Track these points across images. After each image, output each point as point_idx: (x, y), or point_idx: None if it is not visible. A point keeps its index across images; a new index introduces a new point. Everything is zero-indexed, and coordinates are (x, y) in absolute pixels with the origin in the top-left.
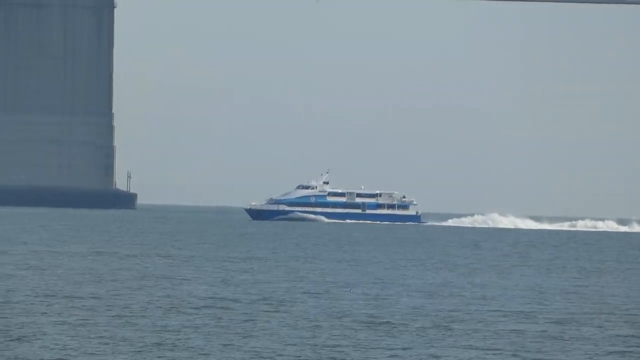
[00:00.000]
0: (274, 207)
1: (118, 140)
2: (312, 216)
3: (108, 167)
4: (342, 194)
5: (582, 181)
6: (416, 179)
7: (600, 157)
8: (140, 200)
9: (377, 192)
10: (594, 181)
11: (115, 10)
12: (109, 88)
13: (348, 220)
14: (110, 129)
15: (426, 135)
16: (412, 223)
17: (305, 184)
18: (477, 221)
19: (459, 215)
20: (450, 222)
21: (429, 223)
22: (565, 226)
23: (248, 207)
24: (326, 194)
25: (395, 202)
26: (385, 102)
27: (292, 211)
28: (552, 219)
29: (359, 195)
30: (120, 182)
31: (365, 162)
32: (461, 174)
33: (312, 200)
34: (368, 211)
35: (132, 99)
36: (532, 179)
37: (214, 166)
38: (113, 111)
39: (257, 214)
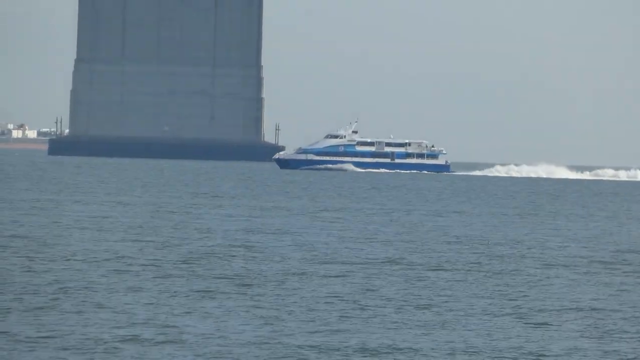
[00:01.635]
0: (302, 157)
1: (267, 93)
2: (340, 165)
3: (256, 120)
4: (371, 143)
5: (600, 130)
6: (444, 129)
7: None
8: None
9: (406, 141)
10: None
11: None
12: (258, 40)
13: (376, 170)
14: (259, 81)
15: (456, 86)
16: (441, 173)
17: (334, 133)
18: (499, 171)
19: (485, 166)
20: (480, 172)
21: (458, 173)
22: (589, 175)
23: (276, 157)
24: (355, 143)
25: (424, 152)
26: (415, 53)
27: (321, 160)
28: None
29: (388, 144)
30: (268, 135)
31: (394, 111)
32: (488, 125)
33: (341, 149)
34: (397, 160)
35: (281, 51)
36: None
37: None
38: (262, 63)
39: (285, 164)
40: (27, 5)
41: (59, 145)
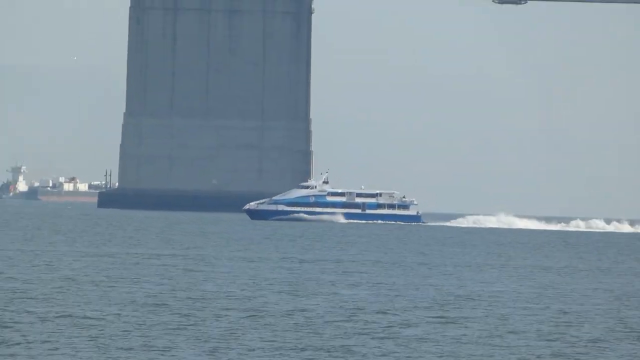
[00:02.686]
0: (273, 207)
1: (315, 146)
2: (311, 216)
3: (305, 173)
4: (341, 194)
5: (572, 181)
6: (414, 180)
7: (592, 158)
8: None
9: (377, 192)
10: (582, 181)
11: (313, 15)
12: (306, 93)
13: (348, 220)
14: (307, 133)
15: (426, 136)
16: (412, 223)
17: (305, 183)
18: (479, 221)
19: (456, 216)
20: (451, 223)
21: (429, 223)
22: (559, 226)
23: (246, 207)
24: (326, 193)
25: (395, 202)
26: (386, 103)
27: (291, 211)
28: (544, 219)
29: (358, 195)
30: None
31: (365, 162)
32: (459, 176)
33: (312, 200)
34: (368, 211)
35: (328, 103)
36: (521, 180)
37: (411, 170)
38: (310, 116)
39: (255, 214)
40: (76, 60)
41: (108, 198)
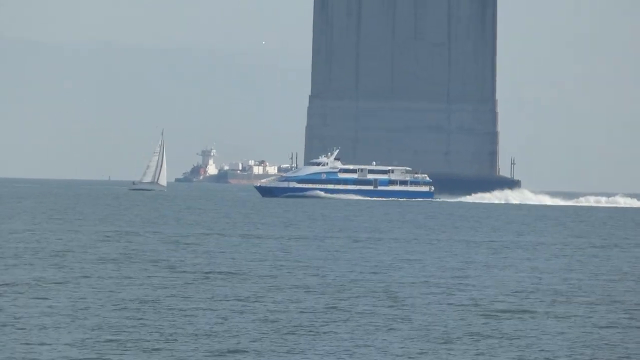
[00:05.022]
0: (284, 184)
1: (501, 127)
2: (323, 193)
3: (491, 154)
4: (353, 171)
5: (580, 157)
6: (595, 158)
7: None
8: (524, 187)
9: (390, 168)
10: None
11: None
12: (492, 74)
13: (360, 197)
14: (494, 115)
15: (612, 115)
16: (424, 199)
17: (316, 160)
18: (497, 197)
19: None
20: (465, 199)
21: (441, 200)
22: (573, 202)
23: (257, 185)
24: (337, 170)
25: (407, 178)
26: (572, 84)
27: (303, 188)
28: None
29: (370, 171)
30: (503, 169)
31: (551, 143)
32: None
33: (323, 177)
34: (380, 188)
35: (515, 84)
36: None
37: (599, 154)
38: (496, 97)
39: (267, 191)
40: (262, 44)
41: None
